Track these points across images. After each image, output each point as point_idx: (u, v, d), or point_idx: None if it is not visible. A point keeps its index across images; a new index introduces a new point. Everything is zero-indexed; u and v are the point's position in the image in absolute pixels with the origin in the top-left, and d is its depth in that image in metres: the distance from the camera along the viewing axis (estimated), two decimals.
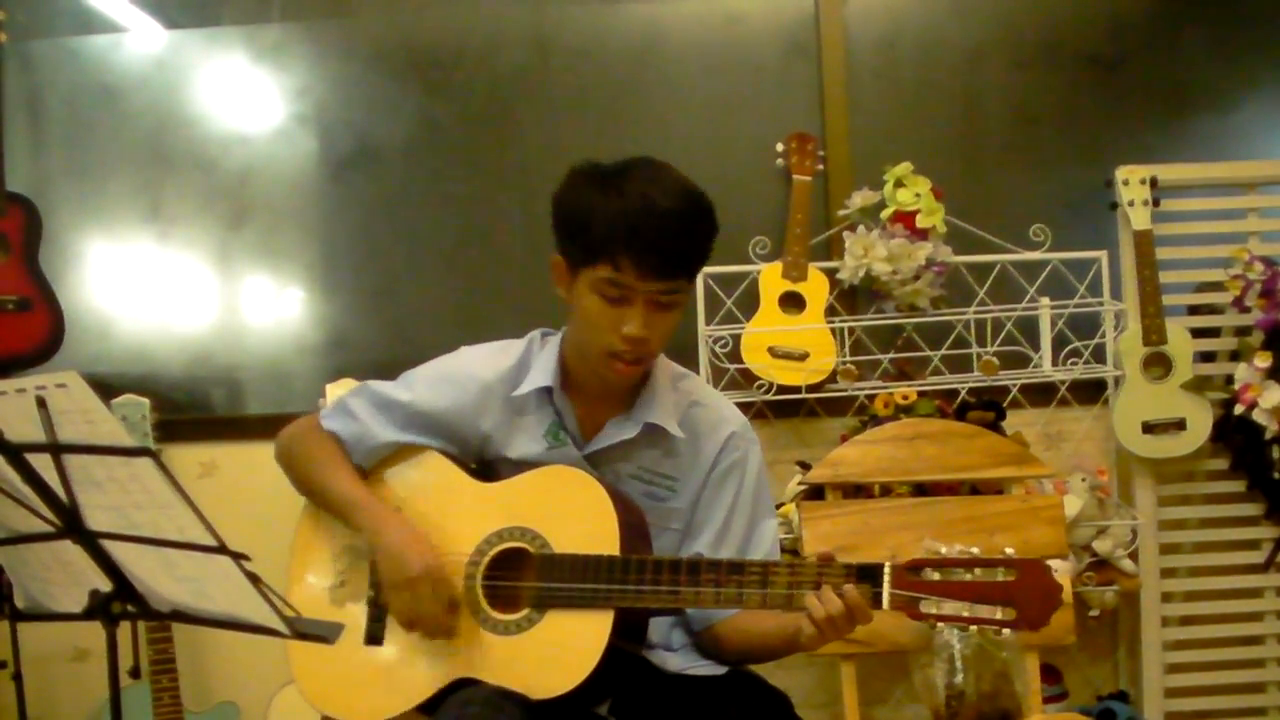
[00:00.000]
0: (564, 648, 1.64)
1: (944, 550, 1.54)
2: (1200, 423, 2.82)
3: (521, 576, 1.71)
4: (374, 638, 1.77)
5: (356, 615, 1.78)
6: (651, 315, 1.67)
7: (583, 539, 1.67)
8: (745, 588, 1.61)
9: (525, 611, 1.68)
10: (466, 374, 1.83)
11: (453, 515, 1.77)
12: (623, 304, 1.66)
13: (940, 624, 1.53)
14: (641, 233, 1.61)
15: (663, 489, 1.81)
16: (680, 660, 1.81)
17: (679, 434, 1.79)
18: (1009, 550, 1.53)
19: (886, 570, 1.54)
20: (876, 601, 1.54)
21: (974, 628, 1.53)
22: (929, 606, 1.52)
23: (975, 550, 1.54)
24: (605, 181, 1.67)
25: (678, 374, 1.87)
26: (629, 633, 1.68)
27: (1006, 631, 1.52)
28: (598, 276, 1.66)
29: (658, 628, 1.82)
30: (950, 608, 1.51)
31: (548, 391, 1.80)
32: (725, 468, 1.82)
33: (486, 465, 1.85)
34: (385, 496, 1.82)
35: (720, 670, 1.78)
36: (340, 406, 1.87)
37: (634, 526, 1.71)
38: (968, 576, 1.51)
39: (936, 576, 1.52)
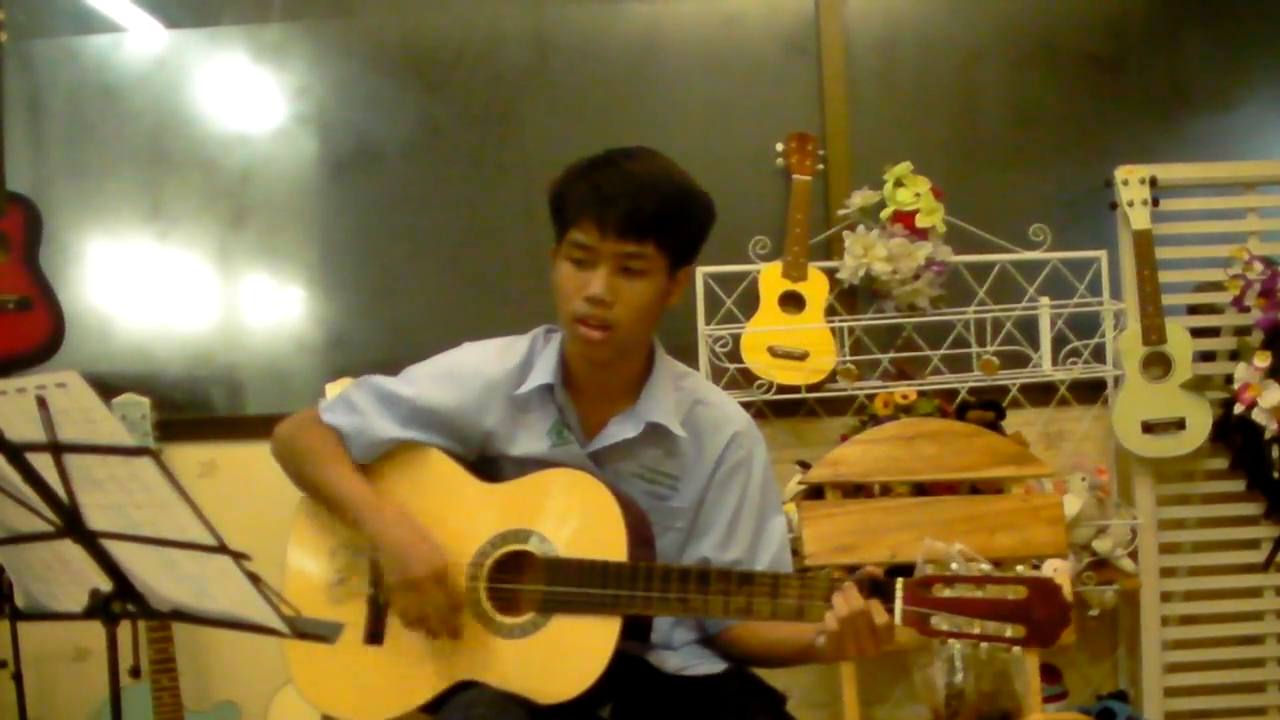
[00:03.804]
0: (570, 653, 1.63)
1: (949, 558, 1.55)
2: (1200, 422, 2.82)
3: (526, 579, 1.71)
4: (374, 636, 1.76)
5: (356, 613, 1.77)
6: (616, 280, 1.68)
7: (589, 544, 1.67)
8: (755, 598, 1.61)
9: (530, 615, 1.68)
10: (470, 370, 1.82)
11: (456, 515, 1.76)
12: (587, 266, 1.69)
13: (951, 640, 1.53)
14: (602, 190, 1.67)
15: (665, 488, 1.80)
16: (679, 659, 1.80)
17: (681, 433, 1.78)
18: (1020, 568, 1.54)
19: (899, 586, 1.54)
20: (891, 621, 1.54)
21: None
22: (940, 623, 1.52)
23: (985, 567, 1.54)
24: (588, 160, 1.73)
25: (680, 372, 1.86)
26: (633, 635, 1.68)
27: (1016, 649, 1.53)
28: (569, 242, 1.71)
29: (659, 626, 1.81)
30: (961, 624, 1.51)
31: (549, 389, 1.79)
32: (730, 467, 1.81)
33: (488, 463, 1.83)
34: (386, 494, 1.80)
35: (718, 669, 1.77)
36: (342, 399, 1.86)
37: (640, 532, 1.70)
38: (979, 593, 1.51)
39: (948, 592, 1.52)
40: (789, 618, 1.60)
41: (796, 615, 1.59)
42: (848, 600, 1.53)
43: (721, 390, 1.91)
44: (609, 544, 1.66)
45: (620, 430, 1.78)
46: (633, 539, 1.66)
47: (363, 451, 1.82)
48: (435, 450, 1.82)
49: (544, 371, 1.79)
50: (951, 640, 1.55)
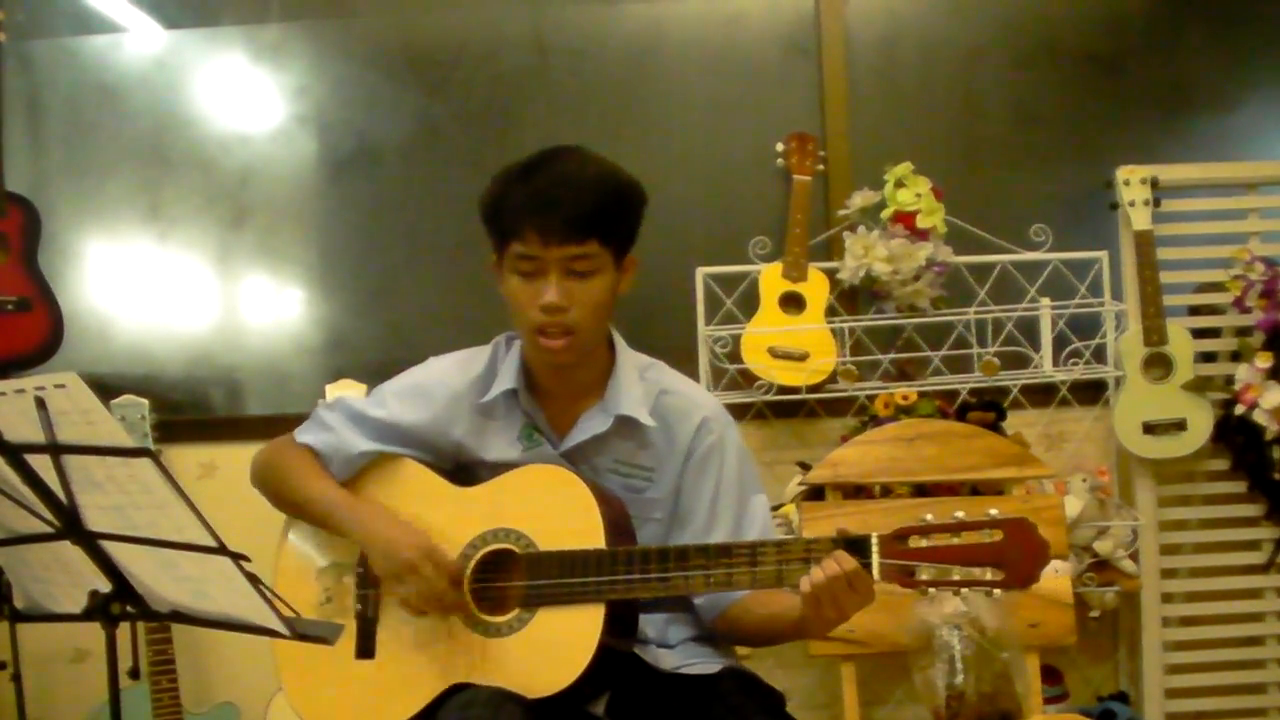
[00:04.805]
0: (557, 645, 1.64)
1: (929, 517, 1.54)
2: (1201, 423, 2.82)
3: (509, 577, 1.72)
4: (365, 651, 1.77)
5: (346, 630, 1.77)
6: (568, 284, 1.69)
7: (568, 535, 1.68)
8: (734, 569, 1.62)
9: (515, 612, 1.69)
10: (436, 383, 1.85)
11: (436, 521, 1.77)
12: (537, 276, 1.70)
13: (932, 589, 1.53)
14: (539, 198, 1.67)
15: (640, 480, 1.81)
16: (676, 657, 1.81)
17: (650, 423, 1.79)
18: (993, 511, 1.53)
19: (874, 540, 1.55)
20: (866, 573, 1.54)
21: (965, 597, 1.54)
22: (919, 573, 1.52)
23: (960, 514, 1.53)
24: (515, 169, 1.73)
25: (644, 364, 1.87)
26: (620, 627, 1.68)
27: (998, 592, 1.52)
28: (512, 255, 1.72)
29: (653, 624, 1.82)
30: (940, 572, 1.52)
31: (514, 394, 1.81)
32: (702, 454, 1.82)
33: (465, 470, 1.85)
34: (365, 500, 1.81)
35: (715, 668, 1.78)
36: (314, 420, 1.88)
37: (617, 520, 1.72)
38: (955, 540, 1.52)
39: (924, 543, 1.53)
40: (769, 584, 1.61)
41: (776, 581, 1.60)
42: (825, 570, 1.53)
43: (687, 378, 1.91)
44: (586, 533, 1.67)
45: (590, 426, 1.79)
46: (609, 527, 1.68)
47: (340, 468, 1.83)
48: (411, 461, 1.84)
49: (507, 378, 1.81)
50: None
